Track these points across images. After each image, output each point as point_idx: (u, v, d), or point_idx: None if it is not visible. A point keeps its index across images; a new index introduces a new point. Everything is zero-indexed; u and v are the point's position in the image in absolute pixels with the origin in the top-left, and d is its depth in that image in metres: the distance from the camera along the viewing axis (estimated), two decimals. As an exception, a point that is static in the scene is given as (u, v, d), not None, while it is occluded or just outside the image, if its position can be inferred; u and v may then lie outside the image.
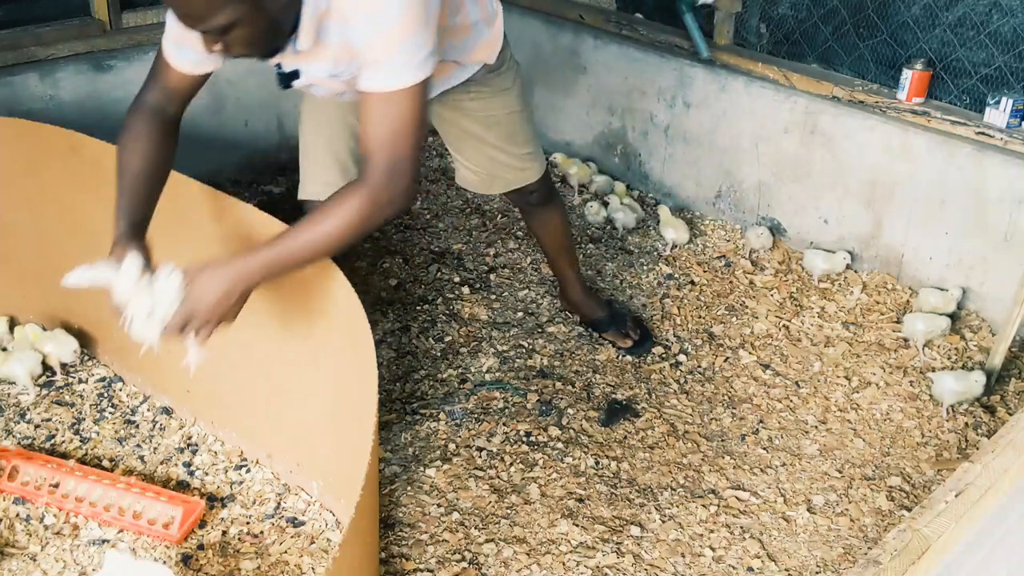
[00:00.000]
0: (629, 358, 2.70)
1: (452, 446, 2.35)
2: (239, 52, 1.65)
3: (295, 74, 1.81)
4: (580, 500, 2.20)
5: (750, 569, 2.05)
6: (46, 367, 2.50)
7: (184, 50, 1.79)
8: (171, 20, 1.73)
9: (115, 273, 1.75)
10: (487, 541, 2.08)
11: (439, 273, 3.07)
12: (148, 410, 2.40)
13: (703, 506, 2.20)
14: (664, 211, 3.27)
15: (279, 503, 2.14)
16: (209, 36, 1.59)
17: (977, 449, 2.09)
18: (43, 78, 3.03)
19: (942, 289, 2.81)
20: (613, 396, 2.56)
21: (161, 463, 2.25)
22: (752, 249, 3.19)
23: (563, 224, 2.68)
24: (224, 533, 2.05)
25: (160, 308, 1.70)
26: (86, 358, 2.58)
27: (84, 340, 2.59)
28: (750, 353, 2.74)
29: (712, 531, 2.14)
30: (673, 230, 3.21)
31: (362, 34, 1.63)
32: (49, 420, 2.37)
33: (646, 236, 3.33)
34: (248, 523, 2.09)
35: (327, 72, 1.78)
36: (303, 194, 2.30)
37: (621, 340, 2.74)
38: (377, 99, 1.65)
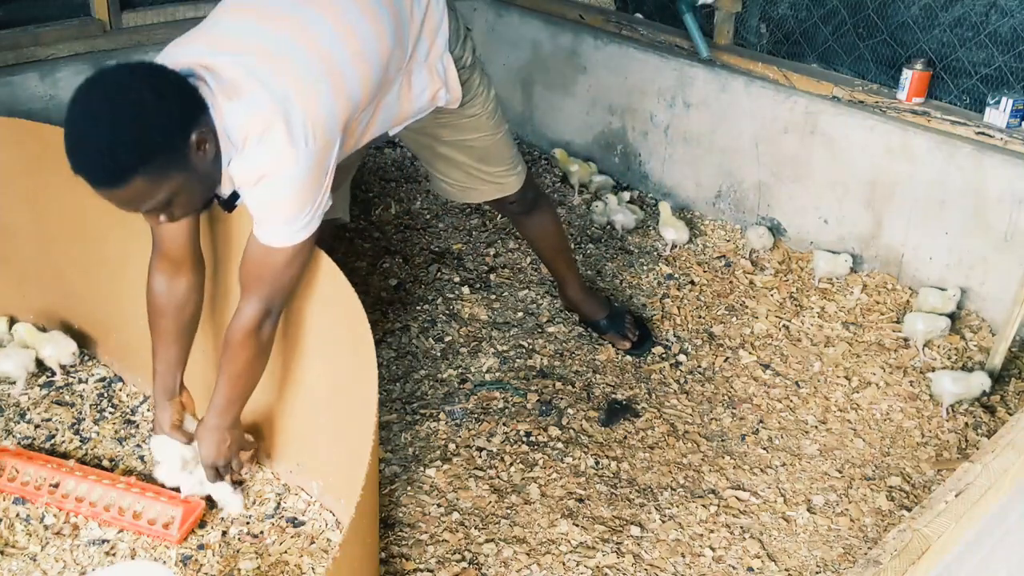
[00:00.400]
0: (629, 358, 2.70)
1: (452, 446, 2.35)
2: (182, 214, 1.72)
3: (235, 195, 1.81)
4: (580, 500, 2.20)
5: (750, 569, 2.05)
6: (44, 367, 2.50)
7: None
8: None
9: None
10: (487, 541, 2.08)
11: (439, 273, 3.07)
12: (148, 410, 2.40)
13: (703, 506, 2.20)
14: (665, 209, 3.25)
15: (279, 503, 2.14)
16: (151, 213, 1.66)
17: (977, 449, 2.09)
18: (43, 78, 3.03)
19: (942, 289, 2.81)
20: (613, 396, 2.56)
21: (161, 463, 2.25)
22: (752, 249, 3.19)
23: (554, 227, 2.65)
24: (224, 533, 2.05)
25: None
26: (86, 358, 2.58)
27: (84, 340, 2.59)
28: (750, 353, 2.74)
29: (712, 531, 2.14)
30: (673, 230, 3.20)
31: (251, 201, 1.74)
32: (49, 420, 2.36)
33: (646, 236, 3.33)
34: (248, 523, 2.09)
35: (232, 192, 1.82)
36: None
37: (620, 342, 2.73)
38: (258, 245, 1.79)
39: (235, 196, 1.81)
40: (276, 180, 1.68)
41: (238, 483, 2.13)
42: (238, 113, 1.64)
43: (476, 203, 2.57)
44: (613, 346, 2.73)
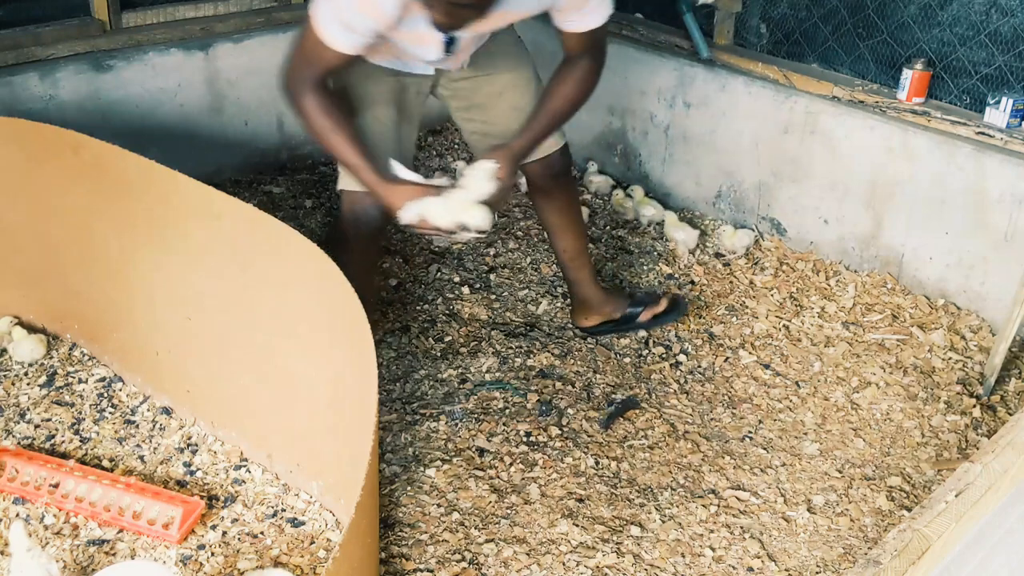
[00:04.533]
0: (628, 359, 2.70)
1: (452, 446, 2.35)
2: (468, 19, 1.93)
3: (454, 41, 2.10)
4: (580, 500, 2.20)
5: (750, 569, 2.05)
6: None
7: (351, 34, 1.96)
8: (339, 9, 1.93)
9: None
10: (487, 541, 2.08)
11: (439, 273, 3.07)
12: (148, 410, 2.40)
13: (703, 506, 2.20)
14: (670, 215, 3.28)
15: (279, 503, 2.14)
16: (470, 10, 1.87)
17: (977, 449, 2.10)
18: (43, 78, 3.03)
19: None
20: (613, 396, 2.56)
21: (161, 463, 2.25)
22: (747, 248, 3.19)
23: (579, 213, 2.67)
24: (224, 533, 2.05)
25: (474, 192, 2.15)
26: (86, 358, 2.58)
27: (84, 340, 2.59)
28: (750, 353, 2.74)
29: (712, 531, 2.14)
30: (683, 231, 3.21)
31: None
32: (49, 420, 2.37)
33: (646, 236, 3.33)
34: (248, 523, 2.09)
35: (533, 6, 2.10)
36: (347, 185, 2.28)
37: (655, 307, 2.74)
38: (591, 32, 2.21)
39: (454, 42, 2.10)
40: None
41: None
42: None
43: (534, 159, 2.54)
44: (654, 318, 2.73)
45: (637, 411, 2.50)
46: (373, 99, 2.29)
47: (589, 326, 2.77)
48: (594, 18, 2.19)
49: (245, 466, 2.24)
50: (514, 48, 2.46)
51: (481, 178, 2.14)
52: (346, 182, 2.28)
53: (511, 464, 2.30)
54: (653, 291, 2.86)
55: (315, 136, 2.10)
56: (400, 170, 2.14)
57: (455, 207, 2.10)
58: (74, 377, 2.52)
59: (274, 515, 2.11)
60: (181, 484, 2.19)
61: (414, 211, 2.10)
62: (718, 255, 3.21)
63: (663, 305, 2.74)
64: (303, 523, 2.09)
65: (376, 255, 2.62)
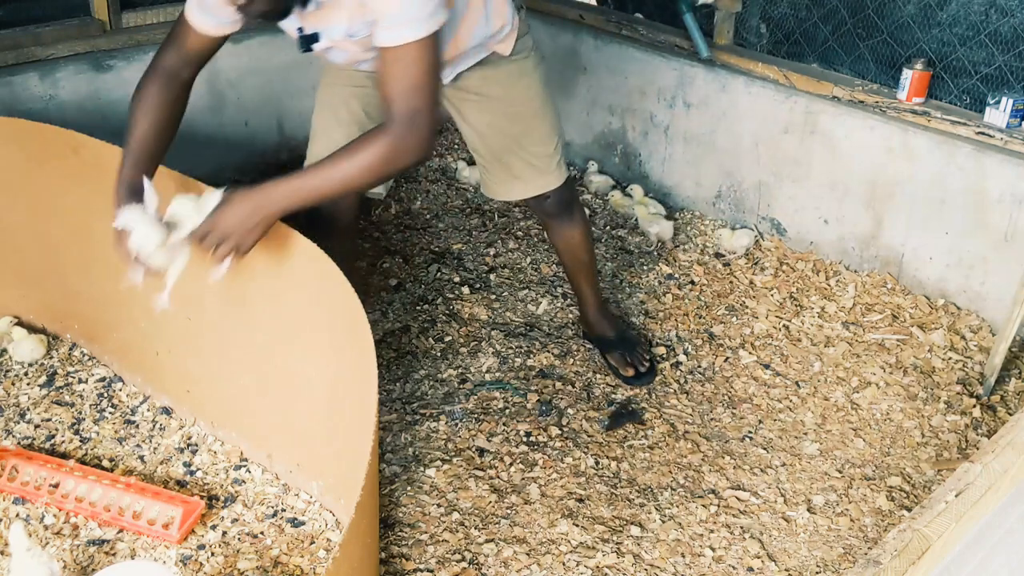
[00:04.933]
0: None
1: (452, 446, 2.35)
2: (260, 7, 1.70)
3: (315, 37, 1.85)
4: (580, 500, 2.20)
5: (750, 569, 2.05)
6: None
7: (207, 13, 1.87)
8: None
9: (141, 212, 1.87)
10: (487, 541, 2.08)
11: (439, 273, 3.07)
12: (148, 410, 2.40)
13: (703, 506, 2.20)
14: (641, 210, 3.34)
15: (279, 503, 2.14)
16: None
17: (977, 449, 2.10)
18: (43, 78, 3.03)
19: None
20: (613, 396, 2.56)
21: (161, 463, 2.25)
22: (747, 249, 3.19)
23: (585, 240, 2.55)
24: (224, 533, 2.05)
25: (190, 225, 1.83)
26: (86, 358, 2.58)
27: (84, 340, 2.59)
28: (750, 353, 2.74)
29: (712, 531, 2.14)
30: (656, 225, 3.25)
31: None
32: (49, 420, 2.36)
33: (646, 235, 3.33)
34: (248, 523, 2.09)
35: (344, 32, 1.82)
36: None
37: (623, 367, 2.62)
38: (391, 54, 1.70)
39: (315, 38, 1.84)
40: None
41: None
42: None
43: (516, 200, 2.47)
44: (615, 371, 2.63)
45: (642, 417, 2.50)
46: (321, 102, 2.27)
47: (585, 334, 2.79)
48: (386, 35, 1.70)
49: (245, 466, 2.24)
50: (521, 84, 2.25)
51: (202, 210, 1.83)
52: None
53: (511, 464, 2.30)
54: (638, 342, 2.71)
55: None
56: (147, 186, 1.88)
57: (151, 237, 1.84)
58: (74, 377, 2.52)
59: (274, 515, 2.11)
60: (181, 484, 2.19)
61: (121, 220, 1.86)
62: (718, 255, 3.21)
63: (631, 371, 2.61)
64: (303, 523, 2.09)
65: (351, 242, 2.51)
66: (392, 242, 3.25)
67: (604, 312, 2.72)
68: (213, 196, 1.83)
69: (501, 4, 2.11)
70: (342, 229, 2.33)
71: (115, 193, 1.92)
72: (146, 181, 1.88)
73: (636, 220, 3.38)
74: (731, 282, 3.07)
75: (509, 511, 2.16)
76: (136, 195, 1.89)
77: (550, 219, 2.51)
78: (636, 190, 3.44)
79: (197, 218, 1.82)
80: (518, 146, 2.31)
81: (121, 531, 2.05)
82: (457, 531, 2.10)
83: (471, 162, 3.71)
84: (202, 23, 1.90)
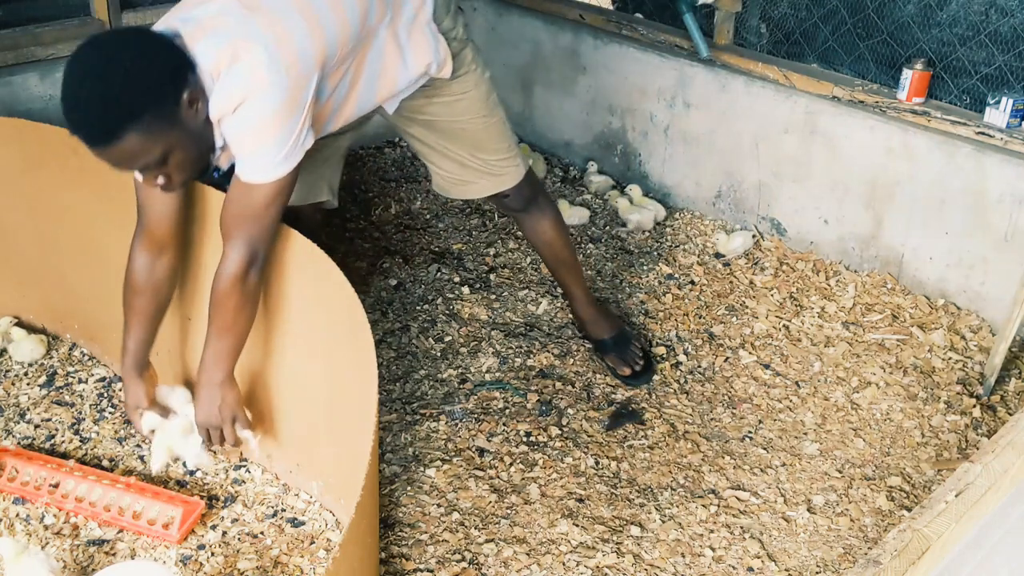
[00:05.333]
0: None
1: (452, 446, 2.35)
2: (181, 178, 1.77)
3: (218, 170, 1.95)
4: (580, 500, 2.20)
5: (750, 569, 2.05)
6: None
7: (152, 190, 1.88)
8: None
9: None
10: (487, 541, 2.08)
11: (439, 273, 3.07)
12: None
13: (703, 506, 2.20)
14: (623, 202, 3.40)
15: (279, 503, 2.14)
16: (149, 172, 1.71)
17: (977, 449, 2.09)
18: (43, 78, 3.03)
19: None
20: (613, 396, 2.56)
21: (161, 463, 2.25)
22: (747, 250, 3.19)
23: (555, 232, 2.53)
24: (224, 533, 2.05)
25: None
26: (86, 358, 2.58)
27: (84, 340, 2.59)
28: (750, 353, 2.74)
29: (712, 531, 2.14)
30: (638, 213, 3.32)
31: (229, 133, 1.78)
32: (49, 420, 2.36)
33: (648, 236, 3.33)
34: (248, 523, 2.09)
35: (230, 164, 1.89)
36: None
37: (620, 367, 2.60)
38: (240, 186, 1.82)
39: (218, 171, 1.91)
40: (252, 104, 1.72)
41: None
42: (207, 51, 1.70)
43: (476, 199, 2.50)
44: (613, 371, 2.62)
45: (642, 418, 2.50)
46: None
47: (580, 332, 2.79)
48: (240, 169, 1.81)
49: (245, 466, 2.24)
50: (464, 101, 2.27)
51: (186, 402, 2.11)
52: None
53: (511, 464, 2.30)
54: (632, 339, 2.69)
55: None
56: (166, 395, 2.15)
57: (169, 439, 2.09)
58: (74, 377, 2.52)
59: (274, 515, 2.11)
60: (181, 484, 2.19)
61: (147, 426, 2.11)
62: (718, 255, 3.21)
63: (627, 371, 2.61)
64: (303, 523, 2.09)
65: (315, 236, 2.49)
66: (392, 242, 3.25)
67: (598, 310, 2.70)
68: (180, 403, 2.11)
69: (420, 47, 2.07)
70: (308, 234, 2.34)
71: (123, 370, 2.11)
72: (167, 396, 2.12)
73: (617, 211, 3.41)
74: (731, 282, 3.07)
75: (509, 511, 2.16)
76: (141, 368, 2.10)
77: (516, 214, 2.52)
78: (635, 190, 3.44)
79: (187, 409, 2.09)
80: (469, 156, 2.33)
81: (121, 531, 2.05)
82: (457, 531, 2.10)
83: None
84: (152, 201, 1.95)
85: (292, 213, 2.21)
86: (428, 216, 3.43)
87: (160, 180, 1.74)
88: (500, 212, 3.41)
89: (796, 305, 2.94)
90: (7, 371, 2.52)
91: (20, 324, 2.61)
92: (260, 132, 1.75)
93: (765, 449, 2.39)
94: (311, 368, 2.03)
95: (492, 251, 3.22)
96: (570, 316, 2.86)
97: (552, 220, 2.53)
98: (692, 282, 3.07)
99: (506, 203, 2.47)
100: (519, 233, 3.31)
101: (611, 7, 3.63)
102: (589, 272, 3.10)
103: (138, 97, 1.62)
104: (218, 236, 2.07)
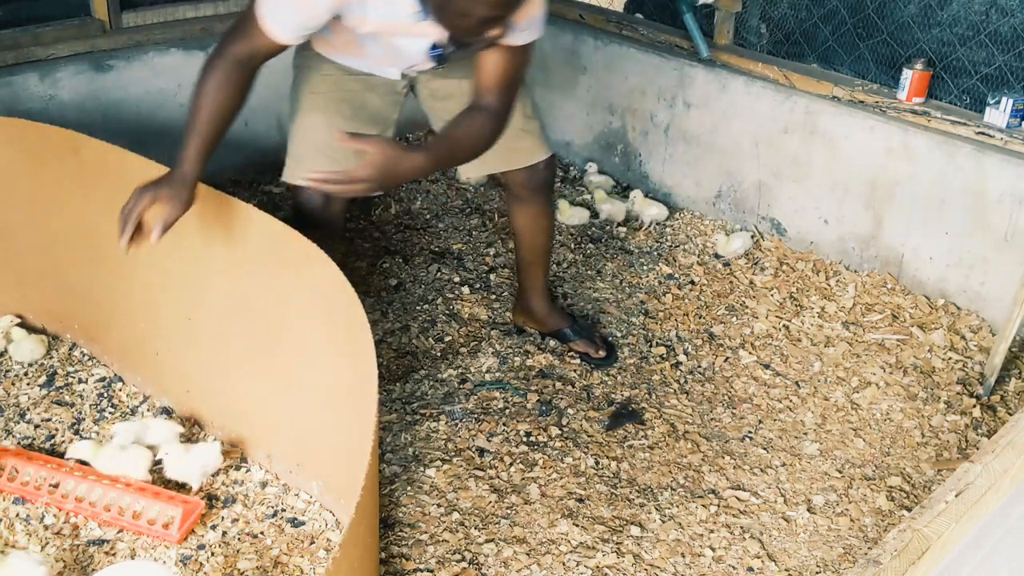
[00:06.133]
0: (628, 359, 2.70)
1: (452, 446, 2.35)
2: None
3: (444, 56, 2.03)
4: (580, 500, 2.20)
5: (750, 569, 2.05)
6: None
7: (288, 24, 1.89)
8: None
9: None
10: (487, 541, 2.08)
11: (439, 273, 3.07)
12: (148, 410, 2.40)
13: (703, 506, 2.20)
14: (599, 193, 3.44)
15: (279, 503, 2.14)
16: (497, 22, 1.76)
17: (977, 449, 2.10)
18: (43, 78, 3.03)
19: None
20: (613, 396, 2.56)
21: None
22: (747, 250, 3.19)
23: (552, 225, 2.63)
24: (224, 533, 2.05)
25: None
26: (86, 358, 2.58)
27: (84, 340, 2.59)
28: (750, 353, 2.74)
29: (712, 531, 2.14)
30: (656, 208, 3.36)
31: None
32: (49, 420, 2.36)
33: (648, 236, 3.33)
34: (248, 523, 2.09)
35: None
36: (293, 179, 2.24)
37: (594, 350, 2.68)
38: (517, 52, 1.95)
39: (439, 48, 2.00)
40: None
41: None
42: None
43: (519, 167, 2.44)
44: (585, 357, 2.67)
45: (642, 418, 2.50)
46: (314, 104, 2.21)
47: (520, 325, 2.80)
48: (522, 36, 1.94)
49: (245, 466, 2.24)
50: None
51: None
52: (289, 175, 2.26)
53: (511, 464, 2.30)
54: (592, 326, 2.79)
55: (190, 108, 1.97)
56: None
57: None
58: (74, 377, 2.52)
59: (274, 515, 2.11)
60: (181, 484, 2.19)
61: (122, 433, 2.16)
62: (718, 255, 3.21)
63: (602, 353, 2.68)
64: (303, 523, 2.09)
65: (338, 241, 2.41)
66: (392, 242, 3.25)
67: (553, 303, 2.77)
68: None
69: None
70: (334, 233, 2.30)
71: (166, 176, 1.94)
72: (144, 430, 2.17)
73: (639, 219, 3.40)
74: (731, 282, 3.07)
75: (509, 511, 2.16)
76: (185, 181, 1.93)
77: (533, 194, 2.49)
78: (637, 195, 3.42)
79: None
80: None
81: (121, 531, 2.05)
82: (457, 531, 2.10)
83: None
84: (282, 32, 1.90)
85: (320, 221, 2.22)
86: (428, 216, 3.43)
87: (496, 31, 1.79)
88: (504, 201, 3.41)
89: (796, 305, 2.94)
90: (7, 371, 2.52)
91: (20, 324, 2.60)
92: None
93: (765, 449, 2.39)
94: (311, 368, 2.03)
95: (492, 251, 3.22)
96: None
97: (551, 214, 2.64)
98: (692, 282, 3.07)
99: (535, 180, 2.45)
100: (513, 225, 3.31)
101: (621, 9, 3.63)
102: (589, 272, 3.10)
103: None
104: (213, 236, 2.07)
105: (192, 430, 2.34)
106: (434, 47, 2.01)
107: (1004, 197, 2.67)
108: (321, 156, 2.18)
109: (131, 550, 2.00)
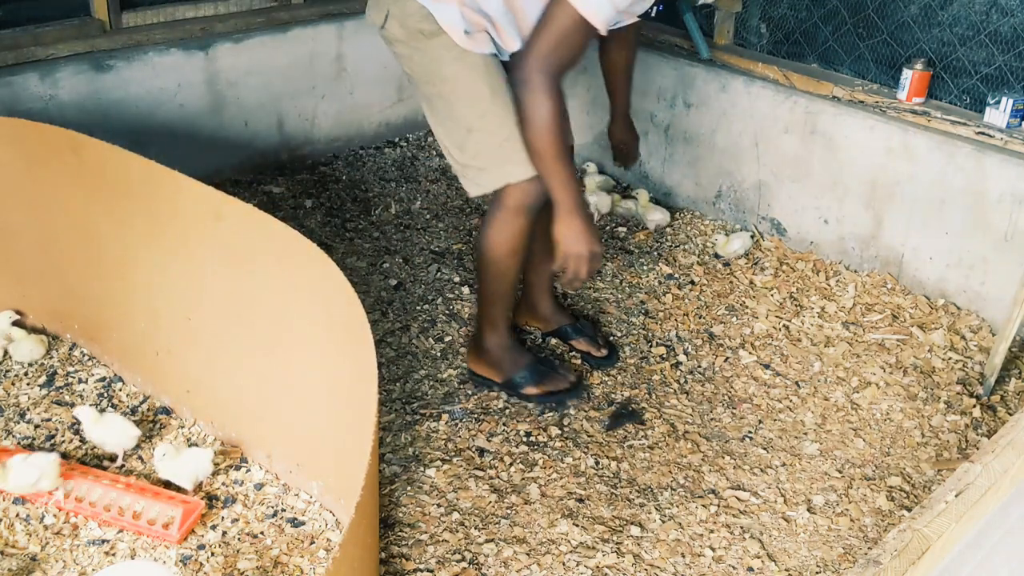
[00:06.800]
0: (629, 359, 2.70)
1: (452, 446, 2.35)
2: None
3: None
4: (580, 500, 2.20)
5: (750, 569, 2.05)
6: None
7: (610, 13, 1.97)
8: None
9: None
10: (487, 541, 2.08)
11: (439, 273, 3.07)
12: (148, 410, 2.40)
13: (703, 506, 2.20)
14: (643, 195, 3.43)
15: (279, 503, 2.14)
16: None
17: (977, 449, 2.10)
18: (43, 78, 3.03)
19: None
20: (613, 396, 2.56)
21: (161, 463, 2.25)
22: (747, 250, 3.19)
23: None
24: (224, 533, 2.05)
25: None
26: (86, 358, 2.58)
27: (84, 340, 2.59)
28: (750, 353, 2.74)
29: (712, 531, 2.14)
30: (659, 213, 3.34)
31: None
32: (49, 420, 2.36)
33: (647, 235, 3.33)
34: (248, 523, 2.09)
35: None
36: (515, 176, 2.20)
37: (596, 349, 2.67)
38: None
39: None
40: None
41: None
42: None
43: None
44: (586, 356, 2.66)
45: (642, 418, 2.50)
46: (505, 89, 2.17)
47: (522, 325, 2.80)
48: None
49: (245, 466, 2.24)
50: None
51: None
52: (513, 173, 2.18)
53: (511, 464, 2.30)
54: (594, 325, 2.78)
55: (535, 138, 2.04)
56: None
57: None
58: (74, 377, 2.52)
59: (274, 515, 2.11)
60: (169, 483, 2.19)
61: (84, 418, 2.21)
62: (718, 255, 3.21)
63: (603, 351, 2.66)
64: (303, 523, 2.09)
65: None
66: (392, 242, 3.25)
67: (558, 301, 2.77)
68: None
69: None
70: (534, 224, 2.33)
71: (577, 204, 2.14)
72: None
73: (643, 224, 3.40)
74: (731, 282, 3.07)
75: (509, 511, 2.16)
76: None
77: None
78: (642, 194, 3.43)
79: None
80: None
81: (121, 531, 2.05)
82: (457, 531, 2.10)
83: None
84: (605, 26, 1.98)
85: (528, 207, 2.24)
86: (428, 216, 3.43)
87: None
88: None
89: (796, 305, 2.94)
90: (7, 371, 2.52)
91: (20, 323, 2.61)
92: None
93: (765, 449, 2.39)
94: (311, 368, 2.03)
95: (492, 251, 3.21)
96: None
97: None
98: (692, 282, 3.07)
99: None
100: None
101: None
102: (589, 272, 3.10)
103: None
104: (214, 236, 2.07)
105: (192, 431, 2.34)
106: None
107: (1004, 197, 2.67)
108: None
109: (131, 550, 2.00)
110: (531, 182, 2.18)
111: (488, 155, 2.19)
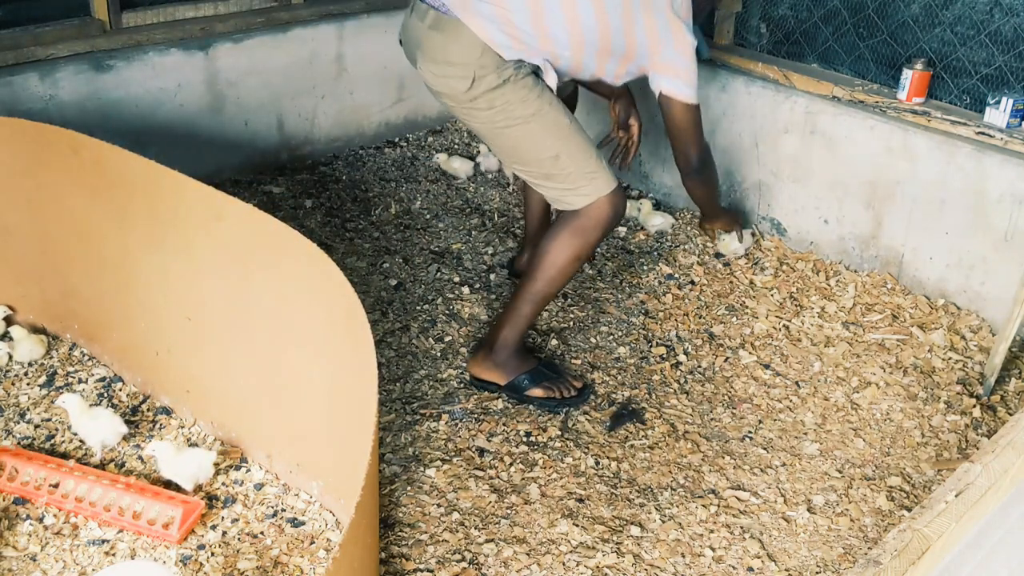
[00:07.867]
0: (629, 359, 2.70)
1: (452, 446, 2.35)
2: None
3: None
4: (580, 500, 2.20)
5: (750, 569, 2.05)
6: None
7: None
8: None
9: None
10: (487, 541, 2.08)
11: (439, 273, 3.07)
12: (148, 410, 2.40)
13: (703, 506, 2.20)
14: (646, 204, 3.40)
15: (279, 503, 2.14)
16: None
17: (977, 449, 2.10)
18: (43, 78, 3.03)
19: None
20: (613, 396, 2.56)
21: (161, 463, 2.25)
22: (748, 249, 3.19)
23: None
24: (224, 533, 2.05)
25: None
26: (86, 358, 2.58)
27: (84, 340, 2.59)
28: (750, 353, 2.74)
29: (712, 531, 2.14)
30: (661, 218, 3.33)
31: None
32: (49, 420, 2.36)
33: (647, 235, 3.33)
34: (248, 523, 2.09)
35: None
36: (610, 186, 2.36)
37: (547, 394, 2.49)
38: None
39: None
40: None
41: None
42: None
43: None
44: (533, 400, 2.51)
45: (643, 417, 2.50)
46: (570, 117, 2.39)
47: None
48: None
49: (245, 466, 2.24)
50: None
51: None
52: (602, 188, 2.33)
53: (511, 464, 2.30)
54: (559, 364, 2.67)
55: (706, 178, 2.72)
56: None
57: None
58: (74, 377, 2.52)
59: (274, 515, 2.11)
60: (170, 483, 2.19)
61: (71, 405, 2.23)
62: (718, 255, 3.21)
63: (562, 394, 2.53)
64: (303, 523, 2.09)
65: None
66: (392, 242, 3.25)
67: (517, 350, 2.54)
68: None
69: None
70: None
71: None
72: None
73: (645, 229, 3.39)
74: (731, 282, 3.07)
75: (509, 511, 2.16)
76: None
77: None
78: (644, 205, 3.41)
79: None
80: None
81: (121, 531, 2.05)
82: (457, 531, 2.10)
83: (465, 156, 3.72)
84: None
85: (615, 214, 2.38)
86: (428, 216, 3.43)
87: None
88: (501, 212, 3.41)
89: (796, 305, 2.94)
90: (7, 371, 2.52)
91: (13, 319, 2.61)
92: None
93: (765, 449, 2.39)
94: (311, 368, 2.03)
95: (491, 251, 3.22)
96: (571, 316, 2.86)
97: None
98: (692, 282, 3.07)
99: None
100: (518, 232, 3.31)
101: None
102: (590, 272, 3.10)
103: None
104: (214, 236, 2.07)
105: (192, 431, 2.34)
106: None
107: (1004, 197, 2.67)
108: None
109: (131, 550, 2.00)
110: (617, 195, 2.36)
111: (578, 175, 2.33)
